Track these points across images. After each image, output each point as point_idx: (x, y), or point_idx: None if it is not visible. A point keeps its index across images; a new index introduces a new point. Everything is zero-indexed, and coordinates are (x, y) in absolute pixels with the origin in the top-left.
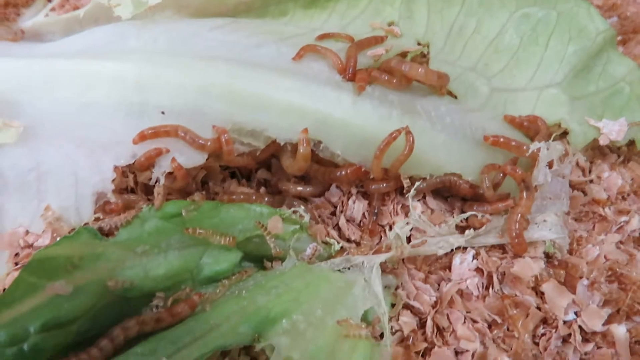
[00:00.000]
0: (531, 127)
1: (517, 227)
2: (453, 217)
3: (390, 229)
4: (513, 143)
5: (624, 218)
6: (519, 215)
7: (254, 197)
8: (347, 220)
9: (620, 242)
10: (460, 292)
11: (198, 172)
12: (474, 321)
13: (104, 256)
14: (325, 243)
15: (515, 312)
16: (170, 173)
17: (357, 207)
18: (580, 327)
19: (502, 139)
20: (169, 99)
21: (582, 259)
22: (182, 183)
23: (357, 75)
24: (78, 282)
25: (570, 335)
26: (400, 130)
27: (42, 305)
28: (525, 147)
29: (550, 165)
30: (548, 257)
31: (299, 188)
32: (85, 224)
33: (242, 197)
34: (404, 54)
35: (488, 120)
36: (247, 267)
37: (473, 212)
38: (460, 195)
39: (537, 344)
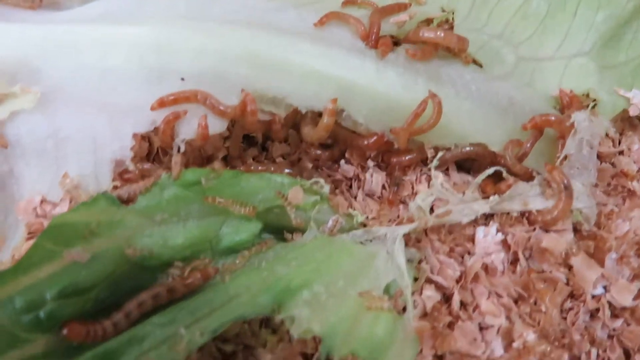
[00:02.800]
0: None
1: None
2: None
3: (412, 199)
4: (552, 118)
5: None
6: (555, 218)
7: (272, 169)
8: (367, 194)
9: None
10: (485, 267)
11: (219, 148)
12: (499, 296)
13: (122, 223)
14: (347, 215)
15: (542, 286)
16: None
17: (376, 179)
18: (609, 302)
19: (539, 120)
20: (188, 64)
21: (611, 234)
22: (201, 143)
23: (380, 41)
24: (96, 250)
25: (598, 310)
26: (427, 100)
27: (59, 272)
28: (565, 121)
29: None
30: (575, 229)
31: (318, 151)
32: (103, 192)
33: (260, 168)
34: (428, 21)
35: (514, 89)
36: (267, 238)
37: (497, 168)
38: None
39: (565, 319)
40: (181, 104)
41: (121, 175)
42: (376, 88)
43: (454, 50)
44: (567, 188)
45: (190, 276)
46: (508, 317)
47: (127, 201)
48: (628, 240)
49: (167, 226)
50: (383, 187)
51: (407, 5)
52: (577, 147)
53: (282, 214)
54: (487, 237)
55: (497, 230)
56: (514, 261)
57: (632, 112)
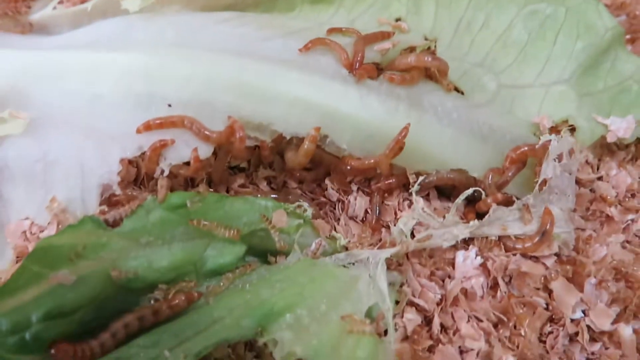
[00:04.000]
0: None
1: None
2: (458, 216)
3: (394, 224)
4: (525, 149)
5: (630, 216)
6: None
7: (258, 195)
8: (350, 218)
9: (626, 241)
10: (465, 291)
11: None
12: (479, 320)
13: (107, 246)
14: (330, 238)
15: (521, 311)
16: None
17: (359, 203)
18: (587, 326)
19: (514, 155)
20: (176, 91)
21: (589, 258)
22: (194, 174)
23: (363, 67)
24: (81, 272)
25: (577, 334)
26: (408, 126)
27: (44, 294)
28: (538, 147)
29: (559, 158)
30: (555, 253)
31: (303, 173)
32: (90, 215)
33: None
34: (411, 49)
35: (495, 116)
36: (251, 261)
37: (476, 189)
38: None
39: (544, 342)
40: (167, 128)
41: (108, 199)
42: (359, 115)
43: (434, 73)
44: (545, 234)
45: (174, 298)
46: (488, 341)
47: (113, 225)
48: (606, 265)
49: (152, 249)
50: (366, 211)
51: (390, 34)
52: (553, 171)
53: (266, 237)
54: (467, 262)
55: (477, 255)
56: (494, 286)
57: (610, 138)
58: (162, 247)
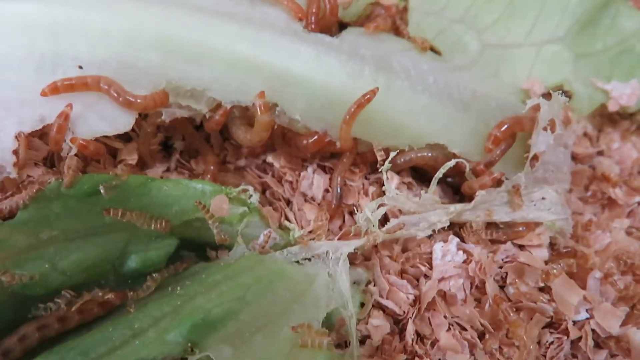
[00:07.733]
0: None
1: None
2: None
3: (358, 209)
4: (510, 123)
5: (637, 198)
6: None
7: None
8: (305, 199)
9: (632, 227)
10: (443, 294)
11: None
12: (462, 328)
13: None
14: (282, 228)
15: (515, 317)
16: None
17: (317, 182)
18: (592, 330)
19: (499, 133)
20: (89, 49)
21: (590, 248)
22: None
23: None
24: None
25: (580, 338)
26: (375, 90)
27: None
28: (524, 117)
29: (551, 128)
30: (550, 244)
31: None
32: None
33: None
34: (376, 3)
35: (478, 80)
36: (185, 256)
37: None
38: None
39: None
40: (79, 91)
41: (2, 183)
42: (315, 78)
43: (402, 28)
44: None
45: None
46: (473, 354)
47: (7, 216)
48: (610, 256)
49: (56, 245)
50: (325, 191)
51: None
52: (546, 143)
53: (204, 227)
54: (446, 257)
55: (458, 248)
56: (481, 286)
57: (612, 107)
58: (69, 243)
